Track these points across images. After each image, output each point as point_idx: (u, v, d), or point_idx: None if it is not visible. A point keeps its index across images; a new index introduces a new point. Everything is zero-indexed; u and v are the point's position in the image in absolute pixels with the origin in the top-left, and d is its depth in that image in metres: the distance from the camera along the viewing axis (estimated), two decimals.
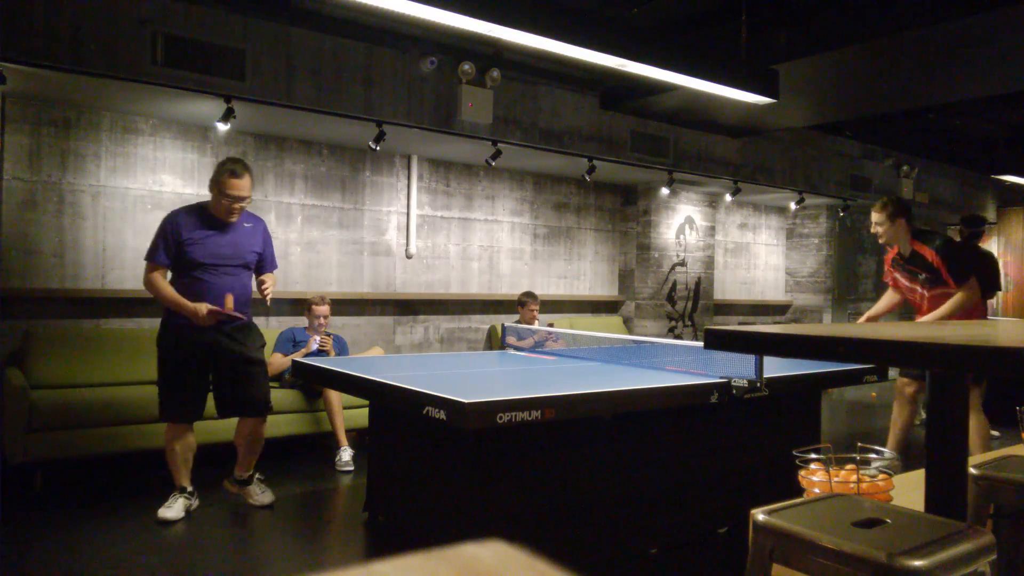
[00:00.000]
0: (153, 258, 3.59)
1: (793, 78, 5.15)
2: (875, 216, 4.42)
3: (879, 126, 8.21)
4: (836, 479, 2.27)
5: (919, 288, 4.39)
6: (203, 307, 3.50)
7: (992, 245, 11.55)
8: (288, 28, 4.66)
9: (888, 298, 4.76)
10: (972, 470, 1.85)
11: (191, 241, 3.60)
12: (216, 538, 3.60)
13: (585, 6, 4.78)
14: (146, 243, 5.45)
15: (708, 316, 8.16)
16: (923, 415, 6.50)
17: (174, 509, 3.67)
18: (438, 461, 3.32)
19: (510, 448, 3.04)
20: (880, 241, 4.48)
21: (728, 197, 7.77)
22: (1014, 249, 11.25)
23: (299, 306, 5.69)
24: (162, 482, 4.38)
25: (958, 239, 5.74)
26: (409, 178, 6.42)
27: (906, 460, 4.73)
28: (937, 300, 4.29)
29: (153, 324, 5.24)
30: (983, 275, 4.95)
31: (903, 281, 4.50)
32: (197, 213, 3.68)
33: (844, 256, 9.46)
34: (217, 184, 3.59)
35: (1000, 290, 6.18)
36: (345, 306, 6.02)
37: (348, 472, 4.65)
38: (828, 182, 8.16)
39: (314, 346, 5.03)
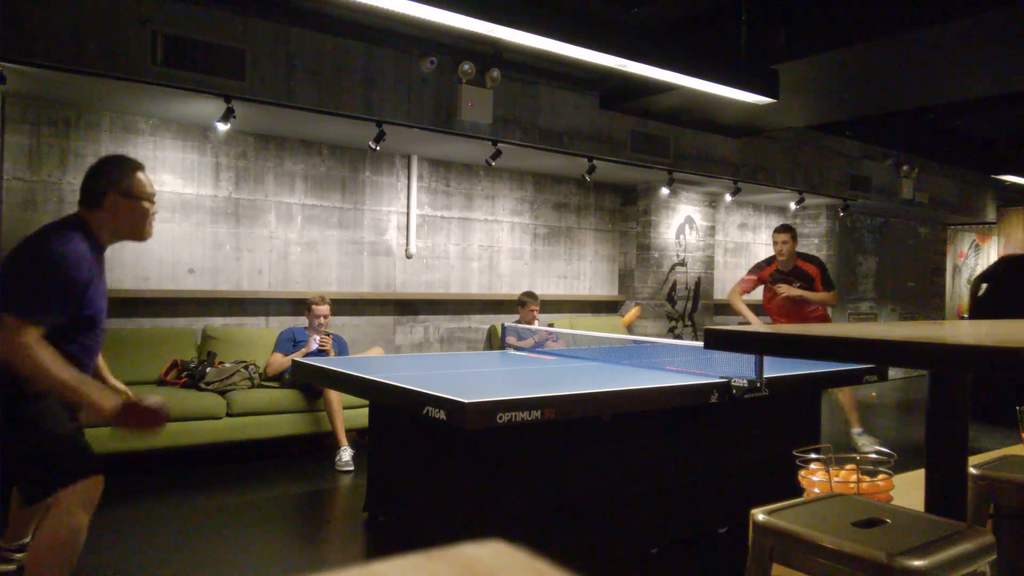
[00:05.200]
0: (38, 315, 2.21)
1: (793, 78, 5.15)
2: (782, 237, 5.56)
3: (879, 126, 8.21)
4: (836, 479, 2.27)
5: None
6: (110, 399, 2.24)
7: (992, 245, 11.56)
8: (288, 28, 4.66)
9: (742, 304, 5.77)
10: (972, 470, 1.85)
11: (93, 287, 2.40)
12: (215, 538, 3.60)
13: (585, 6, 4.78)
14: (146, 243, 5.50)
15: (708, 316, 8.15)
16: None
17: None
18: (438, 461, 3.32)
19: (510, 448, 3.04)
20: (780, 259, 5.58)
21: (728, 197, 7.77)
22: (1014, 249, 11.25)
23: (299, 306, 5.69)
24: (162, 481, 4.39)
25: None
26: (409, 178, 6.42)
27: (905, 459, 4.74)
28: (801, 300, 5.52)
29: (153, 324, 5.27)
30: None
31: (775, 289, 5.60)
32: (86, 241, 2.42)
33: (844, 256, 9.46)
34: (125, 186, 2.46)
35: None
36: (345, 306, 6.02)
37: (348, 472, 4.65)
38: (828, 182, 8.16)
39: (314, 346, 5.03)
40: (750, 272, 5.86)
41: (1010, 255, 6.83)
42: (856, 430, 5.64)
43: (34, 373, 2.18)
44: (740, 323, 8.74)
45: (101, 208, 2.45)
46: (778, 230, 5.65)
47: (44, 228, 2.44)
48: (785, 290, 5.45)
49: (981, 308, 6.34)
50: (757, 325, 5.67)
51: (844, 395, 5.69)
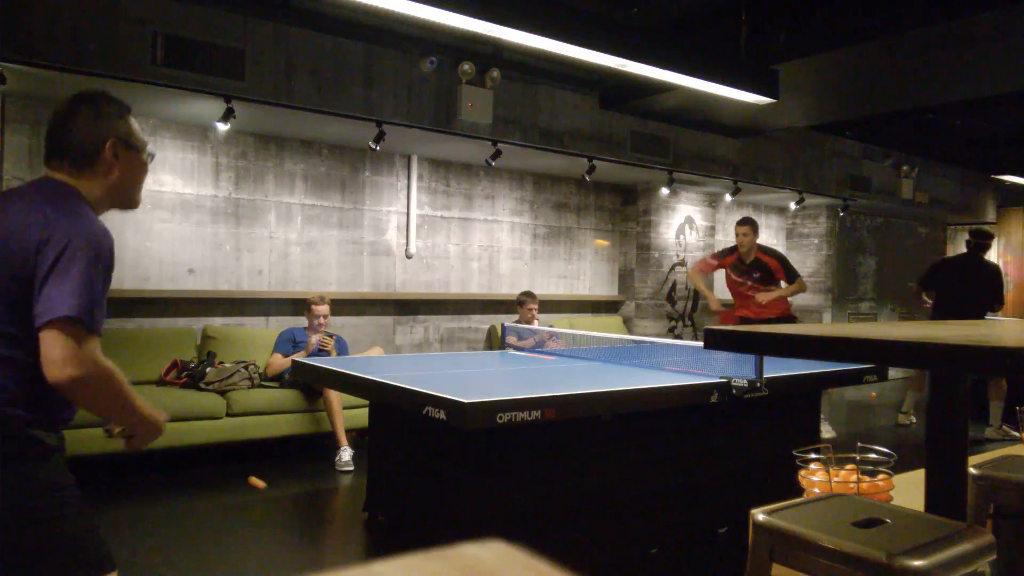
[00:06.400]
0: (95, 321, 1.57)
1: (793, 78, 5.15)
2: (743, 229, 5.82)
3: (879, 126, 8.21)
4: (836, 479, 2.27)
5: (748, 282, 5.89)
6: (159, 412, 1.75)
7: (992, 245, 11.54)
8: (288, 28, 4.65)
9: (703, 284, 6.21)
10: (972, 470, 1.85)
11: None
12: (216, 538, 3.60)
13: (585, 6, 4.78)
14: (146, 243, 5.53)
15: (708, 316, 8.15)
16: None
17: None
18: (438, 461, 3.32)
19: (510, 448, 3.04)
20: (742, 250, 5.83)
21: (728, 197, 7.77)
22: (1014, 249, 11.24)
23: (299, 306, 5.69)
24: (162, 481, 4.39)
25: (966, 250, 6.63)
26: (409, 178, 6.42)
27: (905, 459, 4.76)
28: (758, 291, 5.83)
29: (153, 324, 5.27)
30: (961, 287, 6.30)
31: (734, 276, 5.93)
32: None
33: (844, 256, 9.46)
34: (125, 132, 1.82)
35: (1001, 304, 6.34)
36: (345, 306, 6.02)
37: (348, 472, 4.65)
38: (828, 182, 8.16)
39: (315, 348, 5.02)
40: (712, 256, 6.22)
41: (942, 258, 7.15)
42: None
43: (111, 402, 1.64)
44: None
45: (94, 166, 1.78)
46: (740, 223, 5.90)
47: (47, 196, 1.72)
48: (764, 297, 5.77)
49: (934, 314, 6.53)
50: (752, 325, 5.74)
51: None
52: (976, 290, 6.29)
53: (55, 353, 1.51)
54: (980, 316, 6.24)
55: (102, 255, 1.62)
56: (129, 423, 1.71)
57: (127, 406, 1.66)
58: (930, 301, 6.66)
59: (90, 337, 1.55)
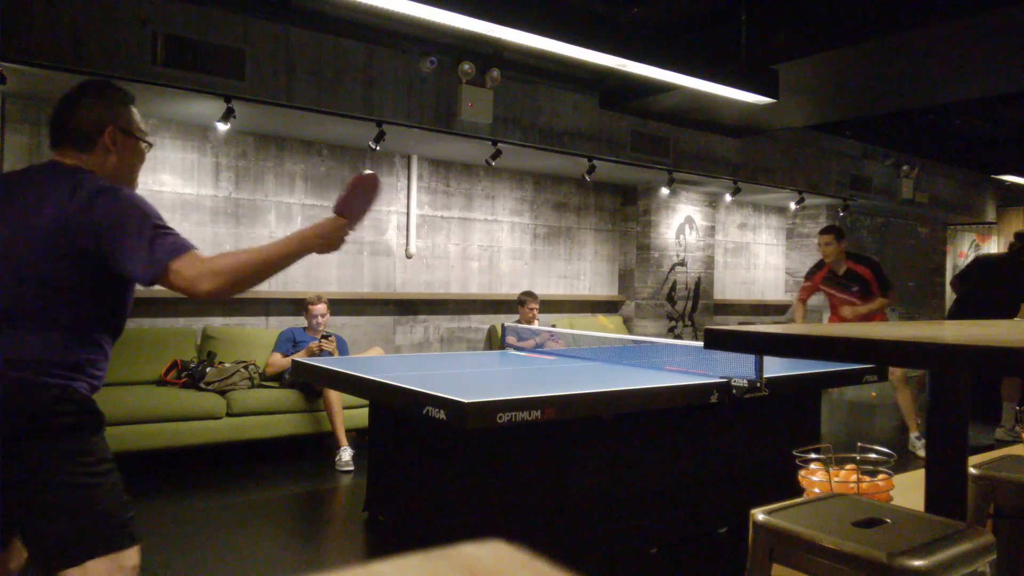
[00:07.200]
0: (185, 242, 1.73)
1: (793, 78, 5.15)
2: (825, 238, 5.39)
3: (879, 126, 8.21)
4: (836, 479, 2.27)
5: (848, 297, 5.41)
6: (325, 223, 1.89)
7: (992, 245, 11.55)
8: (288, 28, 4.65)
9: (801, 311, 5.75)
10: (972, 470, 1.85)
11: None
12: (216, 538, 3.60)
13: (585, 6, 4.78)
14: None
15: (708, 316, 8.15)
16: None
17: None
18: (438, 461, 3.32)
19: (510, 448, 3.04)
20: (828, 261, 5.41)
21: (728, 197, 7.77)
22: None
23: (299, 306, 5.69)
24: (162, 481, 4.39)
25: (1006, 251, 6.39)
26: (409, 178, 6.42)
27: (905, 459, 4.77)
28: (860, 303, 5.38)
29: (153, 324, 5.26)
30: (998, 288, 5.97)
31: (834, 292, 5.48)
32: None
33: None
34: (124, 120, 1.89)
35: None
36: (345, 306, 6.02)
37: (348, 472, 4.65)
38: (828, 182, 8.16)
39: (317, 349, 5.01)
40: (804, 278, 5.76)
41: (982, 255, 6.91)
42: (915, 434, 5.42)
43: (251, 275, 1.75)
44: (740, 323, 8.76)
45: (94, 150, 1.86)
46: (822, 231, 5.48)
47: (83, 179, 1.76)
48: (850, 313, 5.31)
49: (959, 308, 6.38)
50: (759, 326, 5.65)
51: (903, 396, 5.44)
52: (1005, 291, 6.01)
53: (184, 283, 1.68)
54: (1010, 316, 6.03)
55: (148, 206, 1.76)
56: (297, 256, 1.84)
57: (274, 262, 1.80)
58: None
59: (189, 258, 1.69)
